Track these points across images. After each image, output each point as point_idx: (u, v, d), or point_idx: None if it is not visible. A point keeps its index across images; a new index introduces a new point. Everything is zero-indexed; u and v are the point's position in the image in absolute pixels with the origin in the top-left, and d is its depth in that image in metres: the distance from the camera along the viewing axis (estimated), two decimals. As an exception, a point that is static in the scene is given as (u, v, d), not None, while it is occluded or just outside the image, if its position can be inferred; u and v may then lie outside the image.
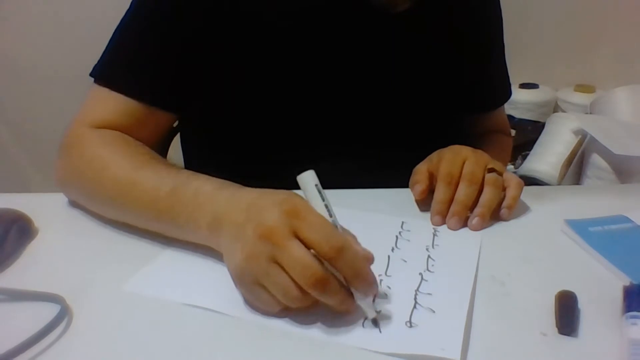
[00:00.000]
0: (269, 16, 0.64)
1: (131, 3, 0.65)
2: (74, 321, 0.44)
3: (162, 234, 0.55)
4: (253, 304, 0.45)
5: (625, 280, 0.47)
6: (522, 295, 0.47)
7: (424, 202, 0.62)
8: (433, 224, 0.58)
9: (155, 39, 0.63)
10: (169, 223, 0.52)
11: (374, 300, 0.43)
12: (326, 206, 0.44)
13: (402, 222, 0.59)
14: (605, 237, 0.55)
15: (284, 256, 0.41)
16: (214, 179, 0.53)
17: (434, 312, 0.44)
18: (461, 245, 0.55)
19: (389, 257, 0.52)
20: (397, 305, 0.45)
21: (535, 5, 1.81)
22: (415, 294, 0.47)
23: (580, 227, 0.57)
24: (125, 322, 0.44)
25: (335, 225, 0.43)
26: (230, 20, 0.63)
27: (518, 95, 1.86)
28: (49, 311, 0.43)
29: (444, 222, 0.58)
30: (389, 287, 0.47)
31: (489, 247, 0.55)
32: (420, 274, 0.50)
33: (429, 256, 0.53)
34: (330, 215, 0.43)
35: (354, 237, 0.46)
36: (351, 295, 0.42)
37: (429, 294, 0.47)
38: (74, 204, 0.62)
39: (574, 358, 0.41)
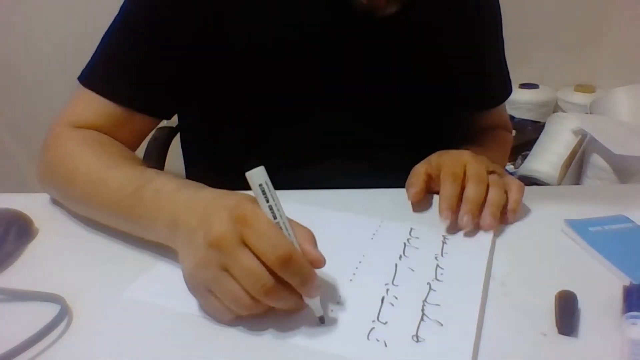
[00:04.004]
0: (255, 20, 0.64)
1: (120, 8, 0.65)
2: (74, 321, 0.44)
3: (129, 233, 0.55)
4: (206, 311, 0.44)
5: (625, 280, 0.47)
6: (522, 295, 0.47)
7: (418, 205, 0.62)
8: (443, 218, 0.57)
9: (141, 46, 0.64)
10: (133, 222, 0.53)
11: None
12: (270, 207, 0.41)
13: (411, 229, 0.57)
14: (605, 237, 0.55)
15: (234, 265, 0.40)
16: (177, 178, 0.53)
17: (441, 325, 0.43)
18: (471, 253, 0.53)
19: (396, 265, 0.51)
20: (404, 318, 0.44)
21: (535, 5, 1.81)
22: (423, 305, 0.45)
23: (580, 227, 0.57)
24: (125, 322, 0.44)
25: (282, 229, 0.41)
26: (218, 25, 0.63)
27: (518, 95, 1.86)
28: (49, 311, 0.43)
29: (454, 217, 0.57)
30: (396, 298, 0.46)
31: (489, 247, 0.55)
32: (429, 283, 0.48)
33: (437, 265, 0.51)
34: (275, 217, 0.41)
35: (308, 234, 0.43)
36: (300, 296, 0.42)
37: (437, 305, 0.45)
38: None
39: (574, 358, 0.41)
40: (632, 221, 0.58)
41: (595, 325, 0.43)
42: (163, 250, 0.54)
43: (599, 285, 0.49)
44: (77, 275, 0.50)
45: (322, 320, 0.43)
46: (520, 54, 1.56)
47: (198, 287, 0.43)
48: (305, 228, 0.44)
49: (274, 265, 0.40)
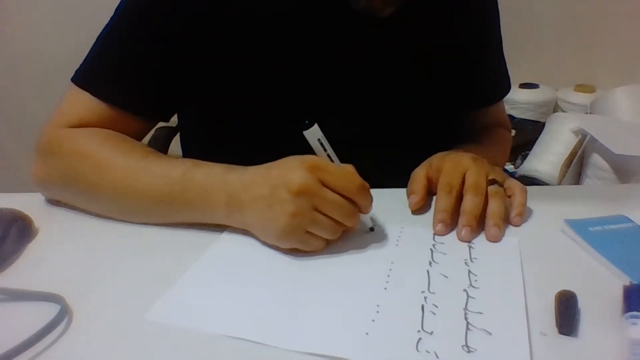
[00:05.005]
0: (253, 21, 0.64)
1: (115, 10, 0.65)
2: (74, 321, 0.44)
3: (169, 220, 0.57)
4: (302, 250, 0.52)
5: (625, 280, 0.47)
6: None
7: (420, 211, 0.62)
8: (436, 233, 0.57)
9: (136, 47, 0.64)
10: (182, 206, 0.56)
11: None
12: (328, 155, 0.53)
13: (434, 235, 0.57)
14: (605, 237, 0.55)
15: (324, 203, 0.50)
16: (218, 163, 0.57)
17: (490, 334, 0.42)
18: (501, 257, 0.53)
19: (428, 272, 0.50)
20: (449, 327, 0.43)
21: (535, 5, 1.81)
22: (465, 314, 0.44)
23: (580, 227, 0.57)
24: (125, 322, 0.44)
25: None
26: (214, 28, 0.63)
27: (518, 95, 1.86)
28: (49, 311, 0.43)
29: (447, 231, 0.57)
30: (436, 306, 0.45)
31: (489, 247, 0.55)
32: (465, 290, 0.47)
33: (469, 271, 0.50)
34: (332, 161, 0.54)
35: (352, 167, 0.53)
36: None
37: (480, 312, 0.44)
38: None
39: (574, 358, 0.40)
40: (632, 221, 0.58)
41: (595, 325, 0.43)
42: (164, 248, 0.54)
43: (599, 285, 0.49)
44: (77, 275, 0.50)
45: (372, 229, 0.56)
46: (520, 54, 1.56)
47: (297, 234, 0.51)
48: (347, 164, 0.54)
49: (356, 193, 0.51)
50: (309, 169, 0.50)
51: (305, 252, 0.52)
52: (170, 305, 0.46)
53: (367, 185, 0.53)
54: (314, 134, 0.52)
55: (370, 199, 0.53)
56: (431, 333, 0.42)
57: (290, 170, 0.51)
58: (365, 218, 0.56)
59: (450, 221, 0.58)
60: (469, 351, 0.40)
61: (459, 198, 0.59)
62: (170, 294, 0.47)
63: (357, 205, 0.52)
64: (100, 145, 0.60)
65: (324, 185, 0.50)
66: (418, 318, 0.44)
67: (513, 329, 0.43)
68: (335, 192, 0.51)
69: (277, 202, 0.50)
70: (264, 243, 0.54)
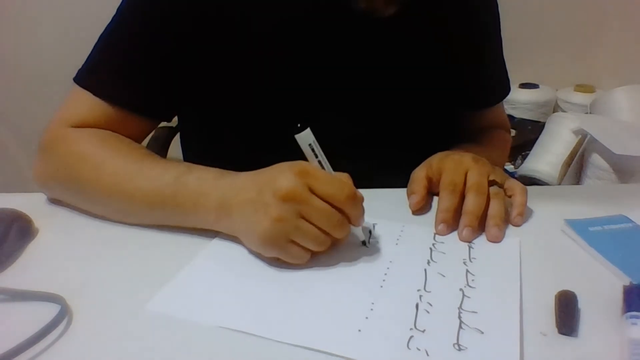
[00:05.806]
0: (255, 22, 0.64)
1: (117, 9, 0.65)
2: (74, 321, 0.44)
3: (161, 223, 0.56)
4: (284, 261, 0.49)
5: (625, 280, 0.47)
6: (522, 295, 0.47)
7: (420, 212, 0.62)
8: (438, 233, 0.57)
9: (138, 46, 0.64)
10: (173, 210, 0.55)
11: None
12: (319, 162, 0.51)
13: (434, 234, 0.57)
14: (605, 237, 0.55)
15: (310, 210, 0.48)
16: (212, 168, 0.56)
17: (482, 332, 0.42)
18: (500, 258, 0.53)
19: (425, 271, 0.50)
20: (442, 325, 0.43)
21: (535, 6, 1.81)
22: (459, 313, 0.44)
23: (580, 227, 0.57)
24: (125, 322, 0.44)
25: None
26: (216, 27, 0.63)
27: (518, 95, 1.86)
28: (49, 311, 0.43)
29: (449, 231, 0.57)
30: (430, 304, 0.45)
31: (489, 247, 0.55)
32: (461, 289, 0.47)
33: (467, 270, 0.50)
34: (324, 168, 0.51)
35: (348, 176, 0.52)
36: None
37: (474, 312, 0.44)
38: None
39: (574, 358, 0.40)
40: (632, 221, 0.58)
41: (595, 325, 0.43)
42: (164, 248, 0.54)
43: (599, 285, 0.49)
44: (77, 275, 0.50)
45: (365, 244, 0.54)
46: (520, 54, 1.56)
47: (279, 240, 0.48)
48: (342, 173, 0.52)
49: (344, 202, 0.49)
50: (298, 174, 0.48)
51: (288, 263, 0.50)
52: (171, 297, 0.47)
53: (360, 195, 0.51)
54: (305, 139, 0.50)
55: (361, 209, 0.51)
56: (423, 331, 0.42)
57: (278, 175, 0.49)
58: (357, 231, 0.53)
59: (453, 221, 0.58)
60: (459, 349, 0.40)
61: (461, 198, 0.59)
62: (171, 286, 0.48)
63: (347, 215, 0.50)
64: (99, 147, 0.60)
65: (312, 192, 0.48)
66: (411, 316, 0.44)
67: (505, 329, 0.43)
68: (324, 200, 0.48)
69: (262, 205, 0.48)
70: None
